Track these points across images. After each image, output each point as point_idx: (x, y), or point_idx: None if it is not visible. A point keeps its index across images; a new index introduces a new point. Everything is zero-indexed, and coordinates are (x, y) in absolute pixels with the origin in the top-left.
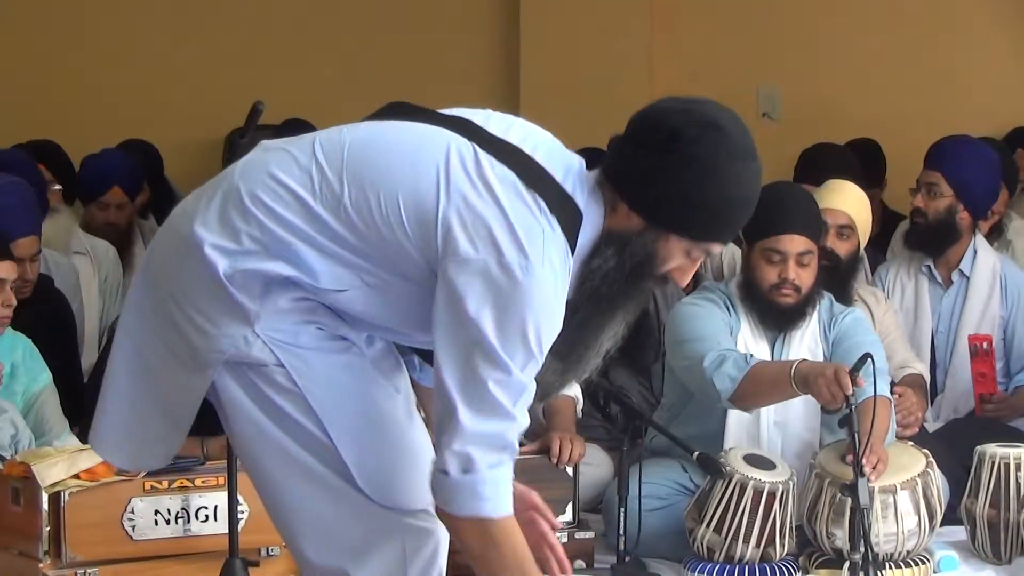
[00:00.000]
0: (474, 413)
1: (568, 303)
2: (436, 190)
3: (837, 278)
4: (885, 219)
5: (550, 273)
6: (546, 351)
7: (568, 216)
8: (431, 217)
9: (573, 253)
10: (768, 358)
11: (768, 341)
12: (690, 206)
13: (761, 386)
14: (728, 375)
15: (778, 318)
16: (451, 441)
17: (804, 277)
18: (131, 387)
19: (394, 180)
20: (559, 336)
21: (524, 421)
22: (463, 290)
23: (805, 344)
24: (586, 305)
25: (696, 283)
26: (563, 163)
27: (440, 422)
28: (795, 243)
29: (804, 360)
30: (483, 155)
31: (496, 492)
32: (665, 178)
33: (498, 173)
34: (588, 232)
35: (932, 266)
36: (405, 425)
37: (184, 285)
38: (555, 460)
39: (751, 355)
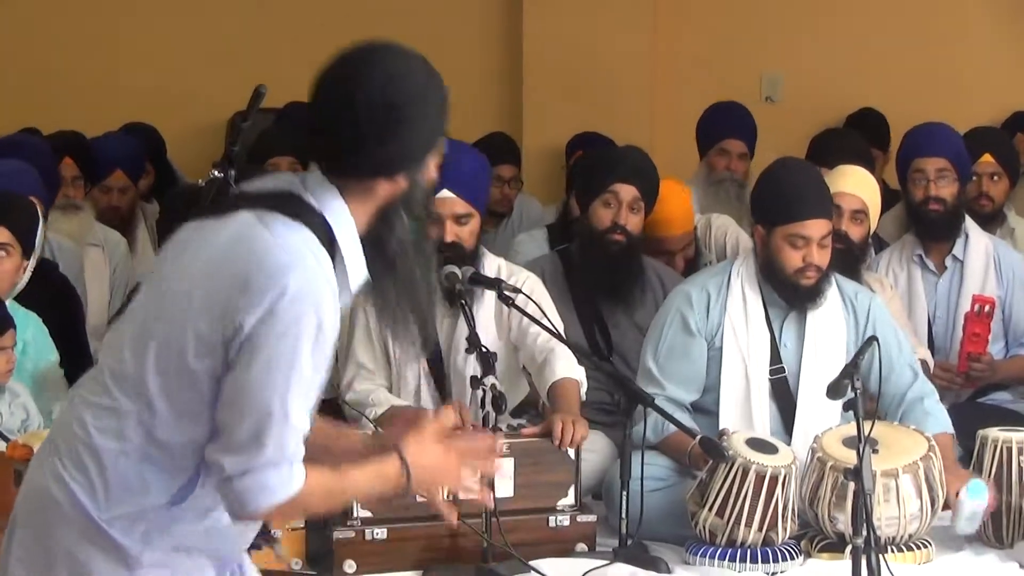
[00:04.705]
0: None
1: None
2: None
3: (850, 261)
4: (886, 198)
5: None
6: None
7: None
8: None
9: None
10: (767, 334)
11: (780, 317)
12: (396, 136)
13: (669, 452)
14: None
15: (802, 298)
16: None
17: (824, 258)
18: None
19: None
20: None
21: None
22: None
23: (826, 320)
24: (397, 269)
25: (689, 262)
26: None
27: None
28: (818, 227)
29: (697, 444)
30: None
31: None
32: (360, 128)
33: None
34: (345, 225)
35: (924, 254)
36: None
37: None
38: (557, 442)
39: (665, 426)
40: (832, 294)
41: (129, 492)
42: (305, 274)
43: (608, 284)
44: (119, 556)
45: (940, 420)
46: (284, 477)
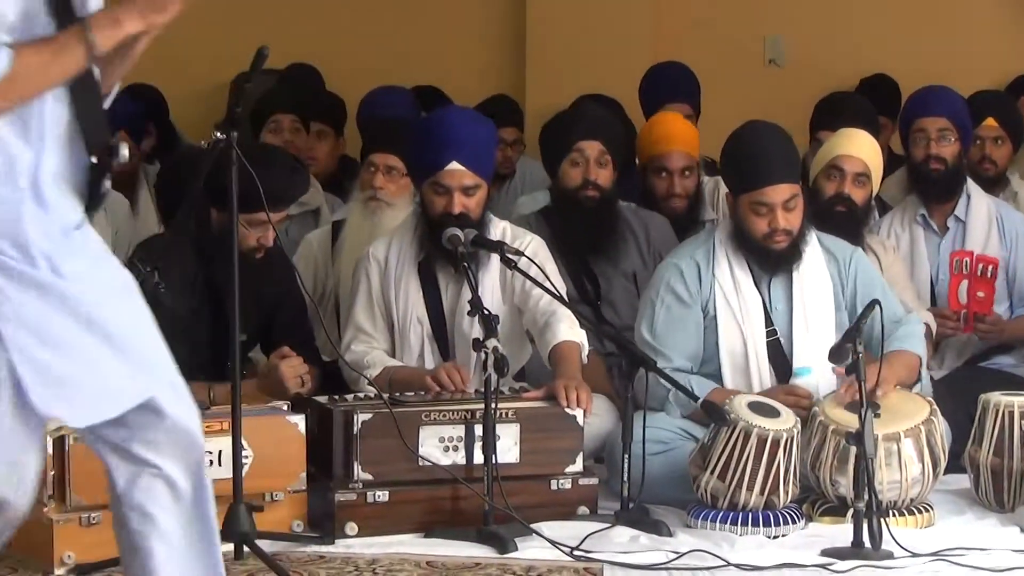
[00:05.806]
0: None
1: None
2: None
3: (852, 224)
4: (889, 163)
5: None
6: None
7: None
8: None
9: None
10: (759, 298)
11: (766, 280)
12: None
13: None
14: (677, 411)
15: (776, 262)
16: None
17: (793, 220)
18: None
19: None
20: None
21: None
22: None
23: (812, 280)
24: None
25: (691, 216)
26: None
27: None
28: (780, 192)
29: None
30: None
31: None
32: None
33: None
34: None
35: (927, 215)
36: None
37: None
38: (565, 405)
39: (693, 389)
40: (814, 252)
41: None
42: None
43: (589, 240)
44: None
45: (914, 343)
46: None
